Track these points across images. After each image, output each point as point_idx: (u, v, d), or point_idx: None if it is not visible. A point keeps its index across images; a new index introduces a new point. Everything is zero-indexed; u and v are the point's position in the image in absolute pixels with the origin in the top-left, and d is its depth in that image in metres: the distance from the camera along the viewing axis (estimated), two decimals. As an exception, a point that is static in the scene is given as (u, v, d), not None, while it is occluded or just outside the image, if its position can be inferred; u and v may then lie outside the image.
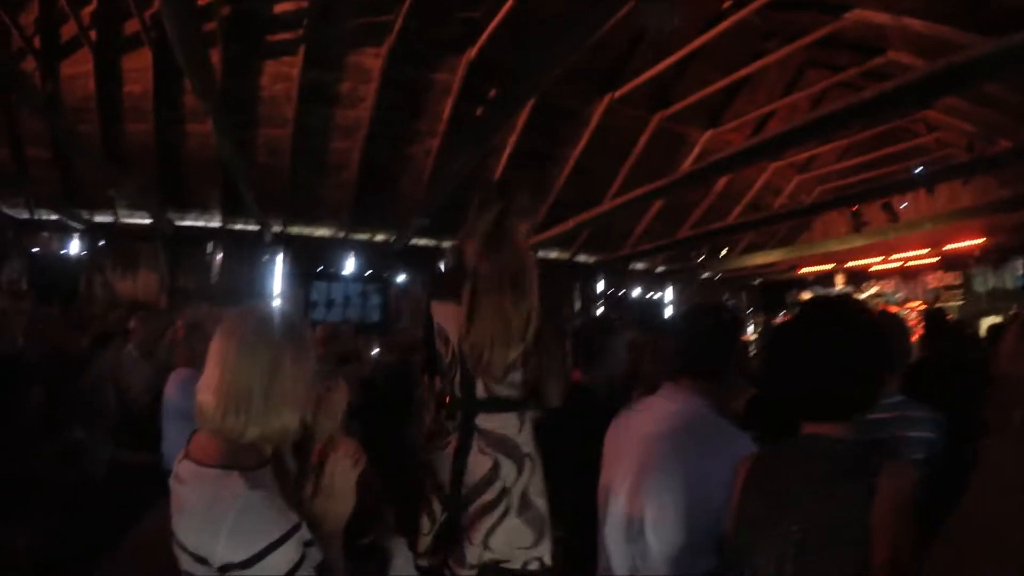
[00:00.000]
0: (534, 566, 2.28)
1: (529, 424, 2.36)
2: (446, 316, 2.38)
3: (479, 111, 8.30)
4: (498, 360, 2.24)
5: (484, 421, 2.29)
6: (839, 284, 12.12)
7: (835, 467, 1.50)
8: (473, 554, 2.23)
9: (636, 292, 14.61)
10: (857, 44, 8.74)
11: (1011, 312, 11.40)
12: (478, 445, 2.27)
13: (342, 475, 1.65)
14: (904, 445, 2.51)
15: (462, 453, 2.28)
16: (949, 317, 5.92)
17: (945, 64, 4.66)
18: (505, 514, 2.24)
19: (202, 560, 1.44)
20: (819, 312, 1.72)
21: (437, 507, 2.34)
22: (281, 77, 8.49)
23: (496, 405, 2.31)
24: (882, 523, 1.39)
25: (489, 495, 2.25)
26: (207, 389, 1.54)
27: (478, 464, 2.26)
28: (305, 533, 1.51)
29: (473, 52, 8.47)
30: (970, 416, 2.62)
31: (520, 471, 2.27)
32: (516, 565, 2.26)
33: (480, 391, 2.31)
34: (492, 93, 8.45)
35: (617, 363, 3.25)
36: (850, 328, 1.59)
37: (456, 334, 2.31)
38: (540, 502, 2.31)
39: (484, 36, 8.25)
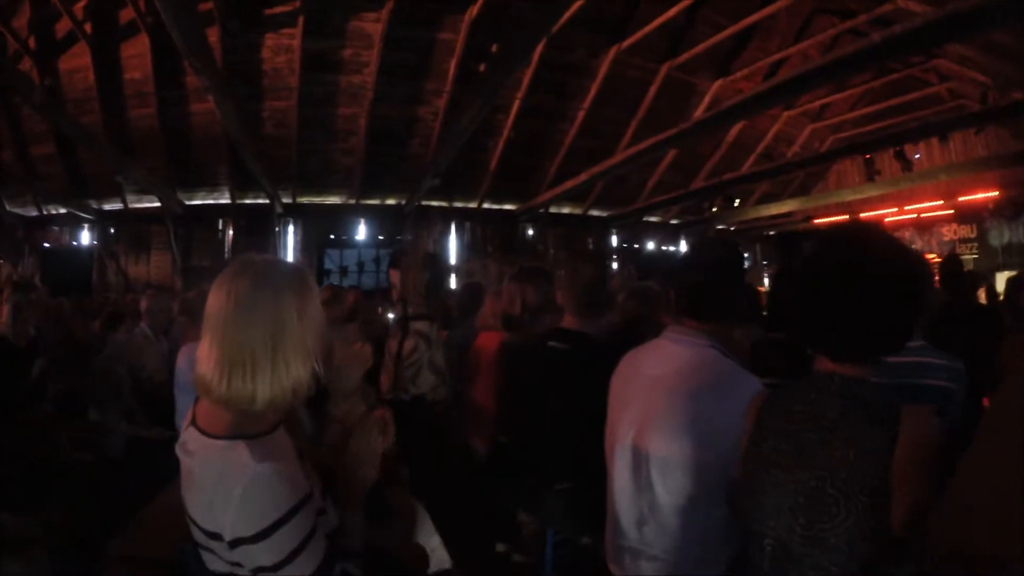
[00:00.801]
0: (440, 396, 3.78)
1: (435, 325, 3.88)
2: (396, 277, 4.01)
3: (482, 67, 8.21)
4: (416, 300, 3.86)
5: (413, 324, 3.79)
6: None
7: (854, 410, 1.40)
8: (408, 390, 3.72)
9: (650, 245, 14.52)
10: (866, -11, 8.58)
11: (1027, 268, 11.32)
12: (411, 335, 3.75)
13: (371, 444, 1.67)
14: (921, 392, 2.46)
15: (402, 339, 3.76)
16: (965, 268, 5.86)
17: (951, 10, 4.61)
18: (421, 368, 3.72)
19: (213, 535, 1.40)
20: (848, 243, 1.55)
21: (391, 366, 3.81)
22: (282, 49, 8.45)
23: (417, 317, 3.81)
24: (905, 471, 1.30)
25: (414, 358, 3.72)
26: (205, 358, 1.44)
27: (411, 344, 3.74)
28: (317, 501, 1.48)
29: (475, 9, 8.38)
30: (987, 365, 2.59)
31: (429, 348, 3.75)
32: (430, 397, 3.72)
33: (411, 310, 3.87)
34: (494, 48, 8.34)
35: (612, 309, 3.37)
36: (880, 263, 1.46)
37: (400, 287, 3.96)
38: (440, 364, 3.79)
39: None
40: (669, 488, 1.85)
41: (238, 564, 1.40)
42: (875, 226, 1.60)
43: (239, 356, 1.41)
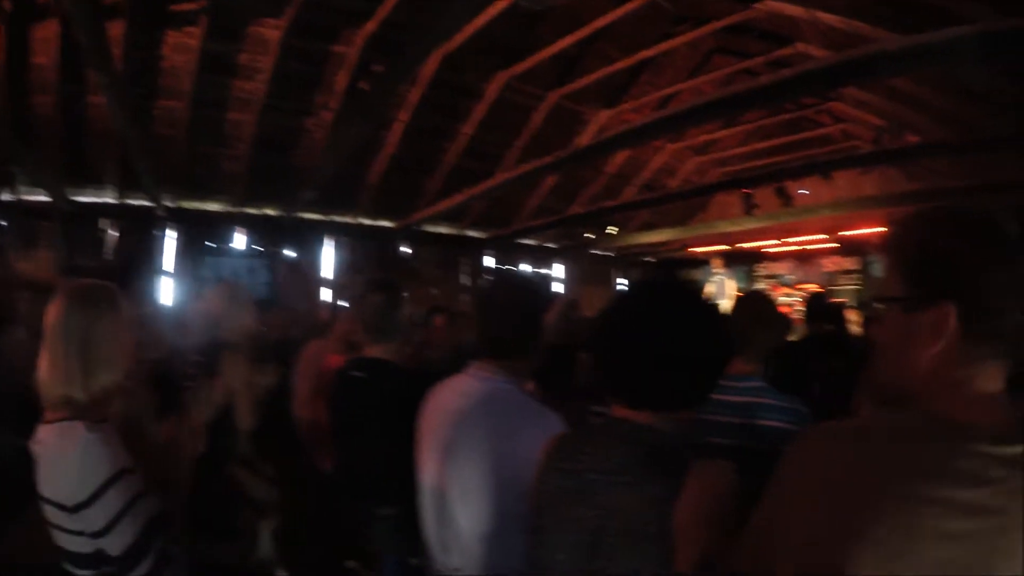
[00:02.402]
0: None
1: None
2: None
3: (366, 84, 8.13)
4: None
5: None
6: (717, 268, 12.29)
7: (641, 457, 1.39)
8: None
9: (524, 267, 14.56)
10: (767, 33, 8.89)
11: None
12: None
13: (180, 443, 1.99)
14: (756, 432, 2.46)
15: None
16: (835, 300, 6.00)
17: (845, 57, 4.76)
18: None
19: (60, 506, 1.71)
20: (649, 296, 1.56)
21: None
22: (182, 48, 8.19)
23: None
24: (687, 525, 1.28)
25: None
26: (41, 365, 1.85)
27: None
28: (137, 481, 1.75)
29: (373, 25, 8.31)
30: (847, 400, 2.59)
31: None
32: None
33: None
34: (377, 68, 8.29)
35: (405, 334, 3.27)
36: (678, 319, 1.46)
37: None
38: None
39: (385, 9, 8.07)
40: (469, 518, 1.88)
41: (81, 532, 1.71)
42: (683, 281, 1.62)
43: (59, 363, 1.81)
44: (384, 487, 2.58)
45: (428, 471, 2.06)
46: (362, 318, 2.94)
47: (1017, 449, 0.95)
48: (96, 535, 1.69)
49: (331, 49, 8.65)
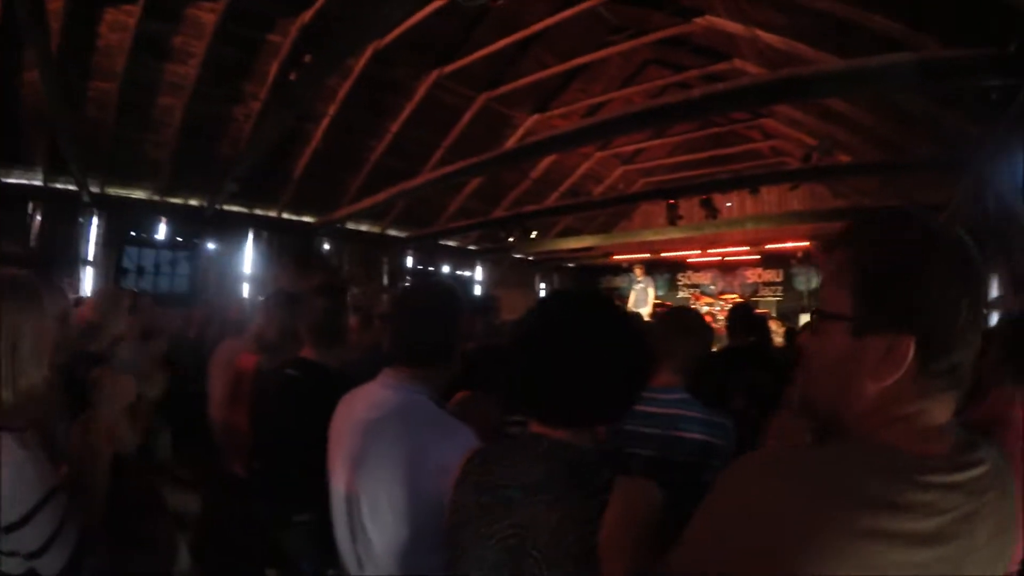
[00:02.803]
0: None
1: None
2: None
3: (293, 76, 7.99)
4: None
5: None
6: (638, 276, 12.46)
7: (560, 474, 1.34)
8: None
9: (445, 269, 14.63)
10: (704, 49, 8.98)
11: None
12: None
13: (93, 445, 1.82)
14: (676, 444, 2.44)
15: None
16: (758, 311, 6.09)
17: (781, 75, 4.90)
18: None
19: None
20: (560, 310, 1.50)
21: None
22: (119, 26, 7.86)
23: None
24: (611, 544, 1.24)
25: None
26: None
27: None
28: (63, 497, 1.64)
29: (308, 15, 8.17)
30: (765, 414, 2.59)
31: None
32: None
33: None
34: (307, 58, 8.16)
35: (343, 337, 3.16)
36: (590, 334, 1.41)
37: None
38: None
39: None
40: (381, 532, 1.82)
41: (14, 553, 1.59)
42: (597, 294, 1.56)
43: None
44: (303, 492, 2.45)
45: (339, 483, 1.97)
46: (305, 322, 2.86)
47: (968, 474, 0.91)
48: (31, 556, 1.60)
49: (266, 37, 8.48)
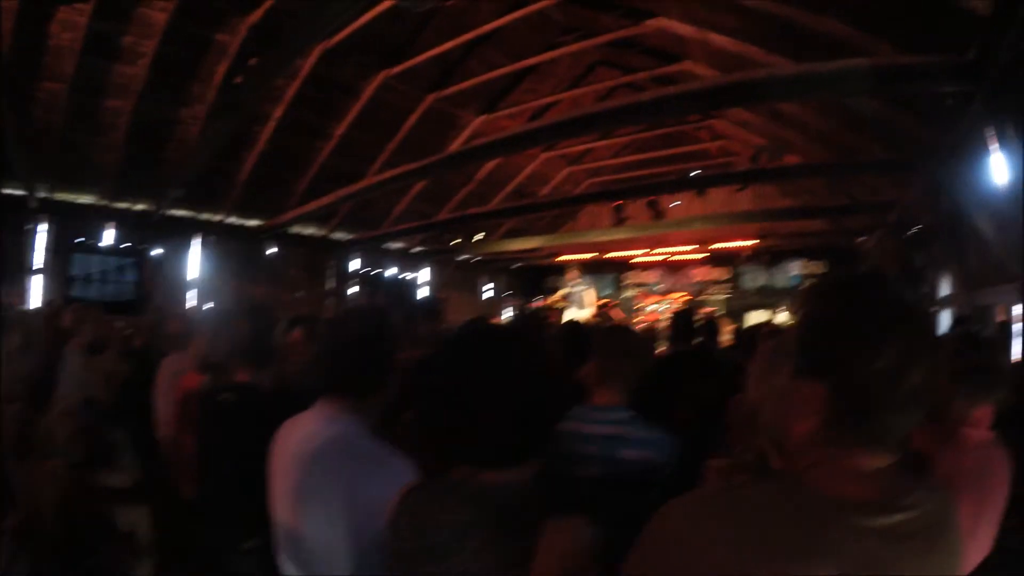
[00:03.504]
0: None
1: None
2: None
3: (238, 78, 7.86)
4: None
5: None
6: (571, 279, 12.34)
7: (490, 519, 1.31)
8: None
9: (391, 272, 14.53)
10: (655, 50, 9.00)
11: (780, 309, 12.22)
12: None
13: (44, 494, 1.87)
14: (619, 465, 2.44)
15: None
16: (705, 310, 6.11)
17: (733, 79, 4.96)
18: None
19: None
20: (460, 351, 1.48)
21: None
22: (70, 25, 7.69)
23: None
24: None
25: None
26: None
27: None
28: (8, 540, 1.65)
29: (257, 15, 8.07)
30: (718, 421, 2.60)
31: None
32: None
33: None
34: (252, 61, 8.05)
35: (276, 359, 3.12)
36: (493, 373, 1.38)
37: None
38: None
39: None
40: (324, 567, 1.78)
41: None
42: (493, 329, 1.61)
43: None
44: (248, 518, 2.35)
45: (281, 517, 1.93)
46: (232, 344, 2.79)
47: (892, 519, 0.94)
48: None
49: (215, 37, 8.36)
